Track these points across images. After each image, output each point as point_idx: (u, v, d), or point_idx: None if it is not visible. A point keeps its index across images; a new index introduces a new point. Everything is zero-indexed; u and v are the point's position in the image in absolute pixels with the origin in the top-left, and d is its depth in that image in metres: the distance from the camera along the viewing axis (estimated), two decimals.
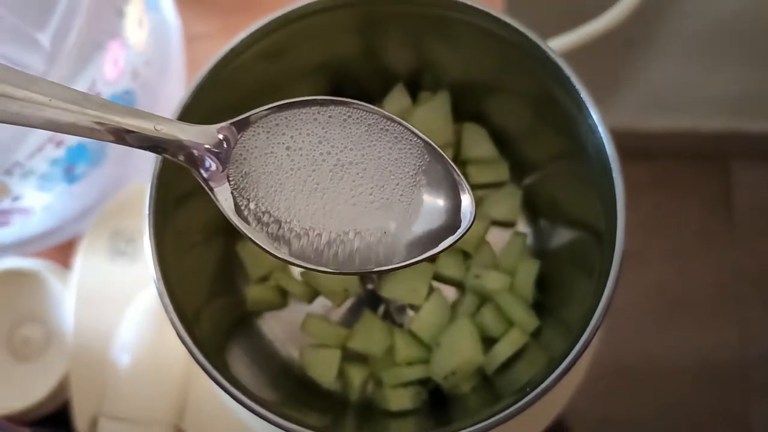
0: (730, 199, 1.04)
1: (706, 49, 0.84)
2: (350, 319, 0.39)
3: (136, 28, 0.45)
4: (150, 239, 0.29)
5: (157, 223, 0.30)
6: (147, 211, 0.30)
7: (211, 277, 0.37)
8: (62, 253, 0.50)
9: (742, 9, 0.77)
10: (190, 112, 0.32)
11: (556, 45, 0.39)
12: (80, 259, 0.48)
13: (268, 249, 0.25)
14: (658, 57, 0.85)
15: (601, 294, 0.30)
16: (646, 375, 0.99)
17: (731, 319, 1.01)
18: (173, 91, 0.52)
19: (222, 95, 0.34)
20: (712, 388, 0.99)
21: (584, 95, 0.31)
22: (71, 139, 0.41)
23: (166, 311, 0.29)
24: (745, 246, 1.03)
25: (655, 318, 1.02)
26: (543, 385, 0.29)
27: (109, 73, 0.42)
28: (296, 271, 0.39)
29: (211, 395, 0.44)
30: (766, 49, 0.84)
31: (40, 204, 0.44)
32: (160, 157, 0.30)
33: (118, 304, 0.47)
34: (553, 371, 0.30)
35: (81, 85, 0.40)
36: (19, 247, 0.48)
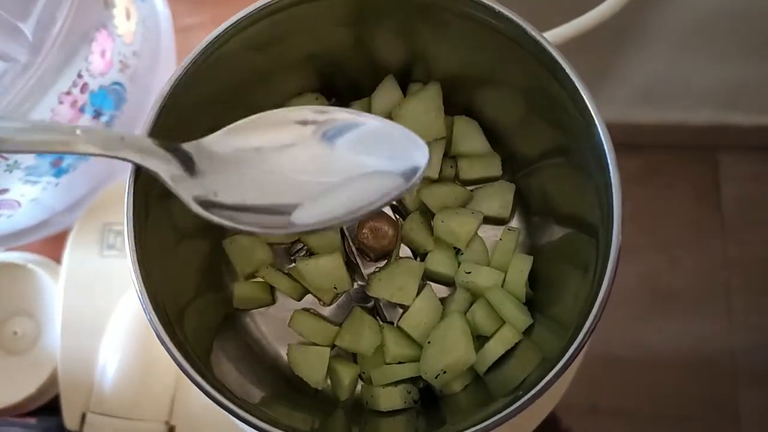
0: (718, 190, 1.05)
1: (695, 41, 0.83)
2: (339, 316, 0.38)
3: (124, 19, 0.44)
4: (129, 237, 0.29)
5: (139, 219, 0.30)
6: (127, 207, 0.29)
7: (198, 274, 0.36)
8: (53, 246, 0.49)
9: (733, 2, 0.76)
10: (174, 103, 0.31)
11: (553, 37, 0.38)
12: (69, 253, 0.47)
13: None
14: (646, 49, 0.84)
15: (597, 293, 0.29)
16: (636, 364, 1.00)
17: (720, 309, 1.02)
18: (163, 83, 0.51)
19: (208, 86, 0.33)
20: (701, 377, 1.00)
21: (581, 89, 0.30)
22: None
23: (145, 312, 0.28)
24: (733, 237, 1.04)
25: (644, 307, 1.03)
26: (538, 387, 0.29)
27: (97, 64, 0.42)
28: (284, 268, 0.39)
29: (199, 391, 0.43)
30: (754, 42, 0.84)
31: (27, 197, 0.43)
32: None
33: (108, 299, 0.46)
34: (548, 372, 0.29)
35: (67, 77, 0.39)
36: (7, 240, 0.47)
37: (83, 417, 0.45)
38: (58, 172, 0.44)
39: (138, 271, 0.28)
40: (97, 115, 0.43)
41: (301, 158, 0.28)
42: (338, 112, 0.29)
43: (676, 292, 1.03)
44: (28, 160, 0.40)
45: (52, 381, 0.47)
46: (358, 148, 0.28)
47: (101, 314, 0.46)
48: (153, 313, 0.28)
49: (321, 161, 0.28)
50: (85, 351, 0.45)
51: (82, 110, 0.42)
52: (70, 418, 0.45)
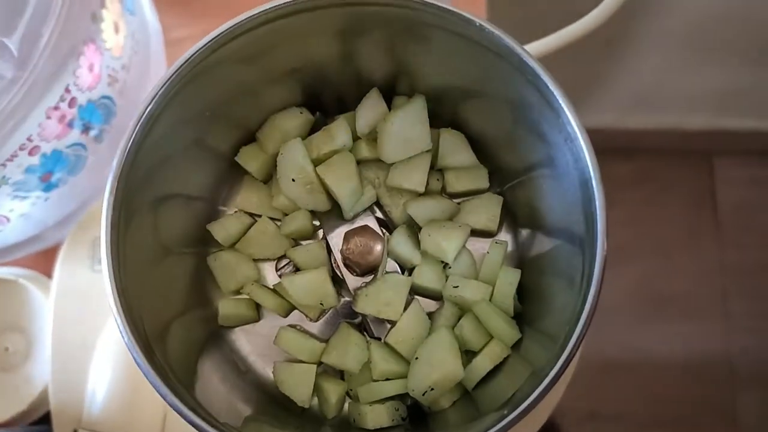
0: (714, 194, 1.06)
1: (690, 46, 0.83)
2: (327, 332, 0.38)
3: (112, 33, 0.44)
4: (108, 255, 0.28)
5: (118, 233, 0.29)
6: (104, 223, 0.28)
7: (183, 290, 0.36)
8: (43, 261, 0.49)
9: (725, 7, 0.76)
10: (157, 115, 0.31)
11: (539, 48, 0.38)
12: (60, 268, 0.47)
13: None
14: (641, 55, 0.84)
15: (584, 305, 0.29)
16: (633, 369, 1.01)
17: (716, 312, 1.02)
18: None
19: (192, 98, 0.33)
20: (698, 381, 1.00)
21: (562, 101, 0.29)
22: (46, 147, 0.40)
23: (122, 334, 0.28)
24: (728, 240, 1.05)
25: (640, 312, 1.03)
26: (527, 403, 0.28)
27: (85, 78, 0.41)
28: (270, 284, 0.38)
29: None
30: (749, 47, 0.84)
31: (16, 212, 0.43)
32: (123, 158, 0.29)
33: (99, 313, 0.46)
34: (538, 386, 0.28)
35: (55, 92, 0.39)
36: None
37: None
38: (48, 186, 0.43)
39: (115, 288, 0.28)
40: (86, 129, 0.43)
41: None
42: None
43: (672, 296, 1.03)
44: (16, 175, 0.40)
45: (44, 397, 0.47)
46: None
47: (92, 329, 0.46)
48: (131, 336, 0.28)
49: None
50: (76, 366, 0.45)
51: (70, 125, 0.42)
52: None
